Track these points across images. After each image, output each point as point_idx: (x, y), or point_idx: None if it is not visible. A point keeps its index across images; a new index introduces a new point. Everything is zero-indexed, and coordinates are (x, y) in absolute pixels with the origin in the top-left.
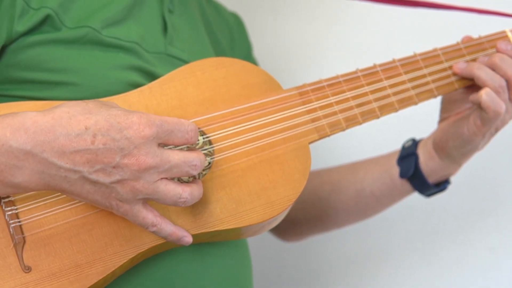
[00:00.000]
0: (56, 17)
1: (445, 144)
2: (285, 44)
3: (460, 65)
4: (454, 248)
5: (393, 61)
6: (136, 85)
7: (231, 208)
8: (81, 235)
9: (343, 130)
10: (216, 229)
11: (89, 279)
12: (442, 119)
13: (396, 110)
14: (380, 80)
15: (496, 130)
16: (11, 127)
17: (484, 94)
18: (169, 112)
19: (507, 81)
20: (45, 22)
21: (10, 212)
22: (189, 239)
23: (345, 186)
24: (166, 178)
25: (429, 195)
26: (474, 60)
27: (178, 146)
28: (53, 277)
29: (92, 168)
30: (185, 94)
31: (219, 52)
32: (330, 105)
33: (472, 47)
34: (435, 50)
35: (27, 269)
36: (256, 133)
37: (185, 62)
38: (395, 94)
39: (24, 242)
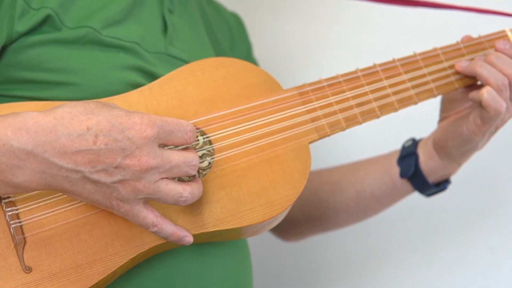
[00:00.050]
0: (56, 17)
1: (445, 143)
2: (285, 44)
3: (462, 64)
4: (454, 248)
5: (393, 60)
6: (136, 85)
7: (231, 208)
8: (81, 235)
9: (343, 130)
10: (216, 229)
11: (90, 279)
12: (442, 119)
13: (396, 109)
14: (380, 80)
15: (496, 129)
16: (12, 127)
17: (486, 93)
18: (169, 112)
19: None
20: (45, 22)
21: (10, 213)
22: (189, 239)
23: (345, 187)
24: (167, 178)
25: (429, 195)
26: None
27: (177, 146)
28: (54, 277)
29: (93, 168)
30: (185, 94)
31: (219, 52)
32: (330, 104)
33: (472, 46)
34: (435, 49)
35: (28, 270)
36: (256, 133)
37: (185, 62)
38: (395, 93)
39: (25, 242)
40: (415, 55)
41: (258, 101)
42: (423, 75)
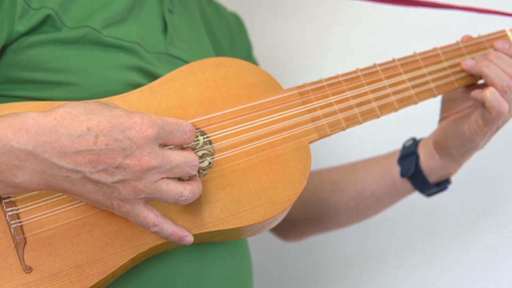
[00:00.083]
0: (57, 17)
1: (446, 143)
2: (285, 44)
3: (468, 62)
4: (454, 248)
5: (393, 60)
6: (136, 85)
7: (231, 208)
8: (82, 235)
9: (343, 129)
10: (216, 229)
11: (90, 279)
12: (442, 118)
13: (396, 109)
14: (380, 80)
15: (497, 129)
16: (12, 127)
17: (489, 94)
18: (169, 112)
19: None
20: (45, 22)
21: (11, 213)
22: (190, 239)
23: (345, 187)
24: (167, 178)
25: (429, 194)
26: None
27: (175, 146)
28: (54, 277)
29: (94, 169)
30: (185, 94)
31: (219, 52)
32: (330, 104)
33: (472, 46)
34: (434, 49)
35: (28, 270)
36: (256, 133)
37: (186, 62)
38: (395, 93)
39: (25, 242)
40: (415, 55)
41: (258, 101)
42: (423, 75)
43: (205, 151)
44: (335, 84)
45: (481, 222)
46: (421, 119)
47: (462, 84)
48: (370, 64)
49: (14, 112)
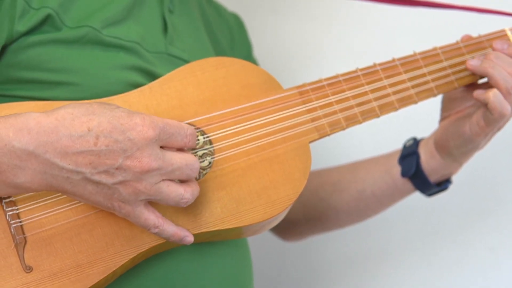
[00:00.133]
0: (57, 16)
1: (446, 143)
2: (285, 44)
3: (473, 62)
4: (454, 248)
5: (393, 60)
6: (136, 85)
7: (231, 208)
8: (82, 235)
9: (343, 129)
10: (216, 228)
11: (90, 278)
12: (443, 118)
13: (396, 109)
14: (380, 79)
15: (498, 129)
16: (14, 127)
17: (492, 95)
18: (169, 112)
19: None
20: (45, 22)
21: (11, 212)
22: (190, 239)
23: (345, 187)
24: (168, 179)
25: (430, 194)
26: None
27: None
28: (54, 277)
29: (94, 170)
30: (185, 94)
31: (219, 52)
32: (330, 104)
33: (472, 46)
34: (434, 49)
35: (28, 269)
36: (256, 133)
37: (186, 61)
38: (395, 93)
39: (25, 242)
40: (415, 54)
41: (258, 100)
42: (423, 75)
43: (205, 151)
44: (335, 83)
45: (481, 222)
46: (421, 119)
47: (462, 84)
48: (370, 64)
49: (14, 112)
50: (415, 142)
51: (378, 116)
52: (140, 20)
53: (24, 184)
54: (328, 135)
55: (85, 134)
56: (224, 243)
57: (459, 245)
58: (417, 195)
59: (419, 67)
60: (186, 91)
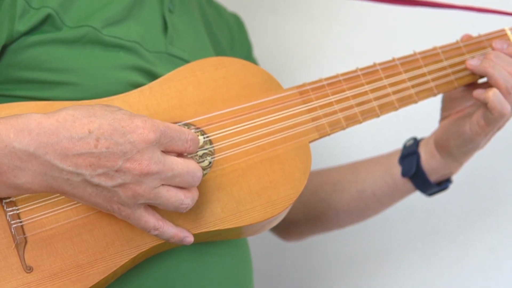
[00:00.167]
0: (57, 16)
1: (447, 142)
2: (285, 44)
3: (473, 62)
4: (454, 248)
5: (393, 60)
6: (136, 85)
7: (231, 208)
8: (82, 235)
9: (343, 129)
10: (216, 228)
11: (91, 278)
12: (443, 118)
13: (396, 108)
14: (380, 79)
15: (498, 129)
16: (15, 128)
17: (492, 95)
18: (169, 112)
19: None
20: (45, 21)
21: (11, 213)
22: (190, 239)
23: (345, 187)
24: (168, 185)
25: (430, 194)
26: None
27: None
28: (55, 277)
29: (94, 172)
30: (185, 94)
31: (219, 52)
32: (330, 104)
33: (472, 45)
34: (434, 48)
35: (29, 269)
36: (256, 133)
37: (186, 61)
38: (395, 93)
39: (26, 242)
40: (414, 54)
41: (258, 100)
42: (423, 74)
43: (205, 151)
44: (335, 83)
45: (481, 222)
46: (421, 118)
47: (462, 83)
48: (370, 63)
49: (15, 112)
50: (415, 142)
51: (378, 116)
52: (140, 20)
53: (25, 185)
54: (328, 135)
55: (85, 136)
56: (224, 243)
57: (459, 245)
58: (417, 195)
59: (419, 67)
60: (186, 91)
